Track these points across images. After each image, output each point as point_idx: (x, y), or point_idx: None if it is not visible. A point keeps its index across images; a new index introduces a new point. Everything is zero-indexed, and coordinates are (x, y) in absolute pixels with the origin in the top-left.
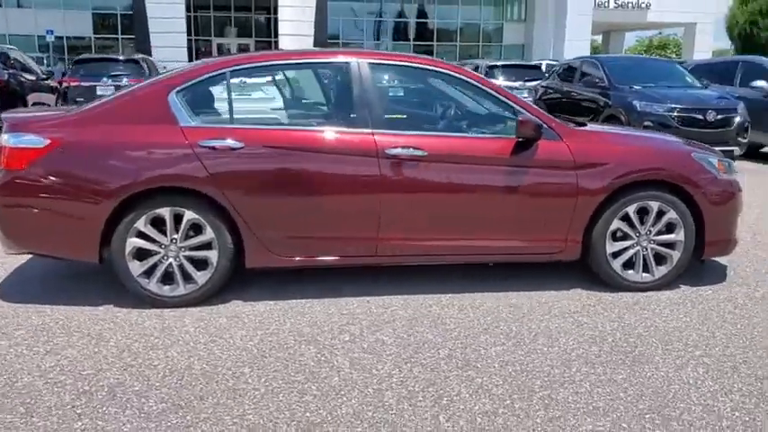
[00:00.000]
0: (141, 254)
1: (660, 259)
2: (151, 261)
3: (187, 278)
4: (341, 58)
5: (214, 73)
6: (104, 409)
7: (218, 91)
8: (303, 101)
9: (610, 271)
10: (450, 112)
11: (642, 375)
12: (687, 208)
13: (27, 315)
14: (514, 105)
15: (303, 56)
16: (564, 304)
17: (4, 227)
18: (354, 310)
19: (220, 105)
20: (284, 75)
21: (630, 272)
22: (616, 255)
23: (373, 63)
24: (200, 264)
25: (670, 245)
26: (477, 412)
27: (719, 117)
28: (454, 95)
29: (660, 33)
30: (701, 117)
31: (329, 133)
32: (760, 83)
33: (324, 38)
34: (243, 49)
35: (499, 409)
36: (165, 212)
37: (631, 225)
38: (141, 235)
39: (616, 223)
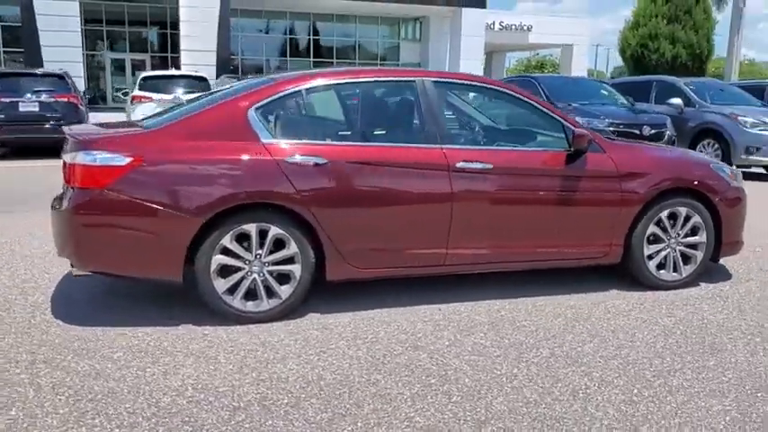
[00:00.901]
0: (225, 271)
1: (686, 260)
2: (236, 278)
3: (270, 293)
4: (410, 77)
5: (291, 89)
6: (271, 422)
7: (294, 107)
8: (376, 117)
9: (646, 272)
10: (505, 126)
11: (727, 361)
12: (708, 213)
13: (111, 337)
14: (561, 120)
15: (376, 74)
16: (616, 303)
17: (79, 246)
18: (432, 317)
19: (298, 121)
20: (358, 92)
21: (663, 272)
22: (651, 257)
23: (438, 81)
24: (283, 278)
25: (694, 246)
26: (617, 401)
27: (653, 131)
28: (507, 111)
29: (537, 54)
30: (637, 132)
31: (404, 149)
32: (675, 100)
33: (226, 54)
34: (137, 64)
35: (632, 397)
36: (252, 228)
37: (663, 229)
38: (226, 252)
39: (651, 228)
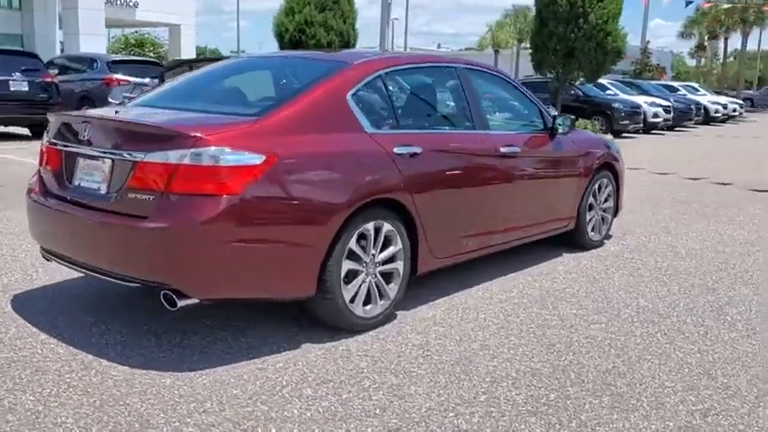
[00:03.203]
0: (347, 277)
1: (604, 221)
2: (357, 283)
3: (381, 295)
4: (459, 64)
5: (375, 74)
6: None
7: (383, 92)
8: (445, 104)
9: (587, 236)
10: (507, 112)
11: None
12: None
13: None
14: (538, 105)
15: (436, 60)
16: (583, 262)
17: (205, 270)
18: (485, 295)
19: (388, 108)
20: (425, 77)
21: (593, 233)
22: (588, 222)
23: (477, 69)
24: (387, 277)
25: (607, 210)
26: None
27: None
28: (508, 98)
29: (137, 32)
30: None
31: (470, 135)
32: None
33: None
34: None
35: (711, 330)
36: (370, 227)
37: (595, 199)
38: (351, 255)
39: (590, 199)
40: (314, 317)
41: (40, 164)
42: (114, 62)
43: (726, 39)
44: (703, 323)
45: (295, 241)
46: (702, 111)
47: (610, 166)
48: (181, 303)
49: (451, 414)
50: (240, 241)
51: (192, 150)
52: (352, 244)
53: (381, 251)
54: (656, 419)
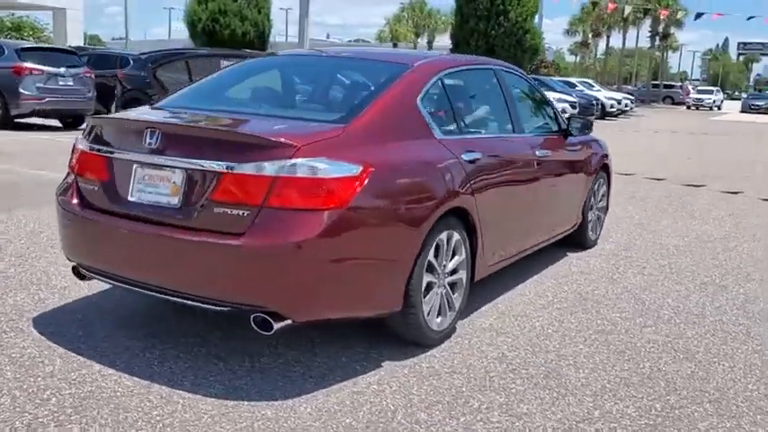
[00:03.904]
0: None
1: (599, 220)
2: (432, 295)
3: (449, 306)
4: (500, 67)
5: (436, 77)
6: None
7: (442, 96)
8: (492, 107)
9: (588, 235)
10: (532, 114)
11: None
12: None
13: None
14: (553, 107)
15: (484, 63)
16: (592, 262)
17: (313, 290)
18: (524, 300)
19: (449, 112)
20: (474, 79)
21: (591, 233)
22: (590, 222)
23: (508, 71)
24: (452, 287)
25: (601, 209)
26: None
27: None
28: (530, 99)
29: (12, 14)
30: None
31: (513, 139)
32: None
33: None
34: None
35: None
36: (444, 237)
37: (594, 198)
38: (429, 267)
39: (591, 198)
40: (393, 333)
41: (77, 171)
42: (24, 49)
43: (608, 36)
44: (739, 321)
45: (388, 255)
46: (600, 106)
47: (605, 167)
48: (276, 326)
49: None
50: (342, 258)
51: (293, 161)
52: (431, 256)
53: (449, 261)
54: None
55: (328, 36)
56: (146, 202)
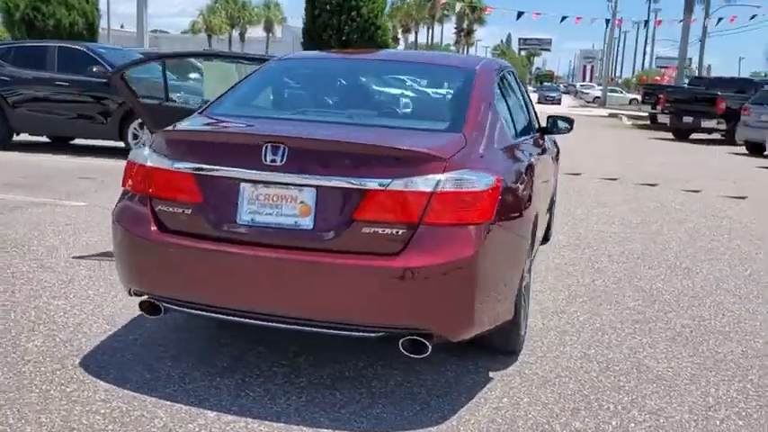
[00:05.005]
0: None
1: (551, 215)
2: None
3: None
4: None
5: (497, 80)
6: None
7: (501, 101)
8: (520, 108)
9: (551, 229)
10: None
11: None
12: None
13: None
14: (532, 105)
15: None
16: (565, 255)
17: (473, 306)
18: (550, 297)
19: (506, 116)
20: (506, 81)
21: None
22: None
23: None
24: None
25: (553, 204)
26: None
27: None
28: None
29: None
30: None
31: (531, 140)
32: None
33: None
34: None
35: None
36: None
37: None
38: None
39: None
40: (487, 343)
41: (153, 192)
42: None
43: (416, 32)
44: (757, 310)
45: (514, 264)
46: None
47: (557, 162)
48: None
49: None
50: (491, 271)
51: (447, 175)
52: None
53: None
54: None
55: (122, 26)
56: (263, 225)
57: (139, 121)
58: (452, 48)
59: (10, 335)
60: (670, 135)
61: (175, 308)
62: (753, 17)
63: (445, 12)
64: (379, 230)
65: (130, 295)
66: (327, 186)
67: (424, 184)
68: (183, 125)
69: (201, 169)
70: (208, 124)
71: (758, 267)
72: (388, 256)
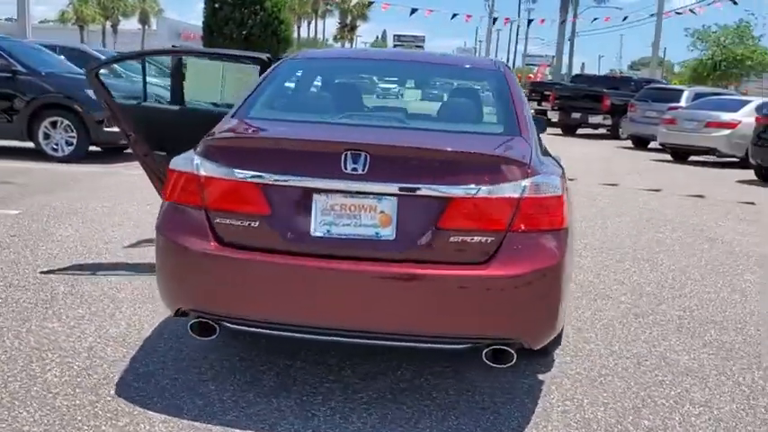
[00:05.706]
0: None
1: None
2: None
3: None
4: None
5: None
6: None
7: None
8: None
9: None
10: None
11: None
12: None
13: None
14: None
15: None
16: None
17: (556, 312)
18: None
19: None
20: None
21: None
22: None
23: None
24: None
25: None
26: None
27: None
28: None
29: None
30: None
31: None
32: None
33: None
34: None
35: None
36: None
37: None
38: None
39: None
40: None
41: (210, 204)
42: None
43: (298, 27)
44: (731, 298)
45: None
46: None
47: None
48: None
49: None
50: (569, 276)
51: (530, 180)
52: None
53: None
54: None
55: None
56: (340, 237)
57: (51, 119)
58: (331, 43)
59: (18, 365)
60: (558, 131)
61: (236, 327)
62: (625, 19)
63: (329, 6)
64: (467, 239)
65: (176, 315)
66: (410, 195)
67: (511, 190)
68: (237, 131)
69: (268, 179)
70: (261, 130)
71: (709, 257)
72: (477, 265)
